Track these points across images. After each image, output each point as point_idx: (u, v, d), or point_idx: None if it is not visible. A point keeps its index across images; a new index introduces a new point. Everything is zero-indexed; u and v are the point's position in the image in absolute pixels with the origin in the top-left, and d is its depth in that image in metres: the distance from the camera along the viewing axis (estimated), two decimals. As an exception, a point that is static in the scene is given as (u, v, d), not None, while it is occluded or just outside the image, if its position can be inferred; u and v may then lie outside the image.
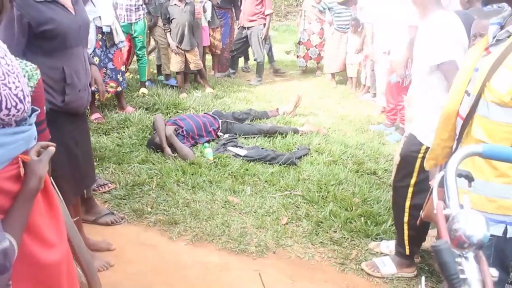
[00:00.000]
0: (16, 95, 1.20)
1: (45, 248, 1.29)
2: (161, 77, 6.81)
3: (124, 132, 4.57)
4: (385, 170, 4.09)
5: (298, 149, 4.36)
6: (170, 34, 6.06)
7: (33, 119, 1.32)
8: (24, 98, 1.24)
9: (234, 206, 3.30)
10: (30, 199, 1.23)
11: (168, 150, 4.08)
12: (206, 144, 4.42)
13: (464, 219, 0.95)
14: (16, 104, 1.20)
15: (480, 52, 1.56)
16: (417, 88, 2.48)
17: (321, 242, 2.95)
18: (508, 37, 1.46)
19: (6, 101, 1.17)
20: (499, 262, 1.51)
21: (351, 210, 3.29)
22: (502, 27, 1.51)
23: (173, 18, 5.96)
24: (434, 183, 1.33)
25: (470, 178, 1.31)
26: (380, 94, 6.12)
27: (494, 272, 0.93)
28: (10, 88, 1.18)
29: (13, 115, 1.20)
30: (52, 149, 1.32)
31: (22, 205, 1.20)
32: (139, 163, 3.89)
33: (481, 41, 1.61)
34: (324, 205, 3.35)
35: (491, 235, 1.42)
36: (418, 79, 2.45)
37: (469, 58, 1.63)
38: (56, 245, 1.34)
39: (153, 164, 3.89)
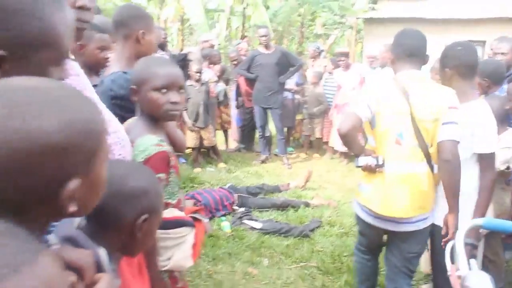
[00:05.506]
0: None
1: None
2: None
3: (144, 206, 4.78)
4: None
5: (310, 221, 4.56)
6: (187, 112, 6.46)
7: None
8: None
9: (253, 277, 3.45)
10: None
11: (187, 223, 4.28)
12: (223, 218, 4.63)
13: (472, 278, 1.19)
14: None
15: None
16: None
17: (339, 312, 3.07)
18: None
19: None
20: None
21: (366, 281, 3.42)
22: None
23: (189, 98, 6.38)
24: (446, 251, 1.55)
25: (475, 246, 1.55)
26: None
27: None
28: (114, 155, 1.45)
29: None
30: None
31: None
32: (160, 236, 4.06)
33: None
34: (339, 276, 3.49)
35: None
36: None
37: None
38: None
39: (174, 236, 4.06)
